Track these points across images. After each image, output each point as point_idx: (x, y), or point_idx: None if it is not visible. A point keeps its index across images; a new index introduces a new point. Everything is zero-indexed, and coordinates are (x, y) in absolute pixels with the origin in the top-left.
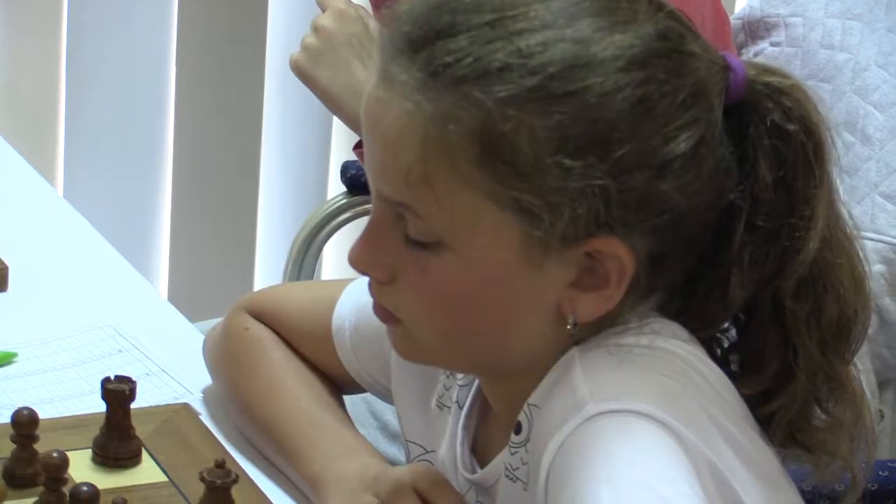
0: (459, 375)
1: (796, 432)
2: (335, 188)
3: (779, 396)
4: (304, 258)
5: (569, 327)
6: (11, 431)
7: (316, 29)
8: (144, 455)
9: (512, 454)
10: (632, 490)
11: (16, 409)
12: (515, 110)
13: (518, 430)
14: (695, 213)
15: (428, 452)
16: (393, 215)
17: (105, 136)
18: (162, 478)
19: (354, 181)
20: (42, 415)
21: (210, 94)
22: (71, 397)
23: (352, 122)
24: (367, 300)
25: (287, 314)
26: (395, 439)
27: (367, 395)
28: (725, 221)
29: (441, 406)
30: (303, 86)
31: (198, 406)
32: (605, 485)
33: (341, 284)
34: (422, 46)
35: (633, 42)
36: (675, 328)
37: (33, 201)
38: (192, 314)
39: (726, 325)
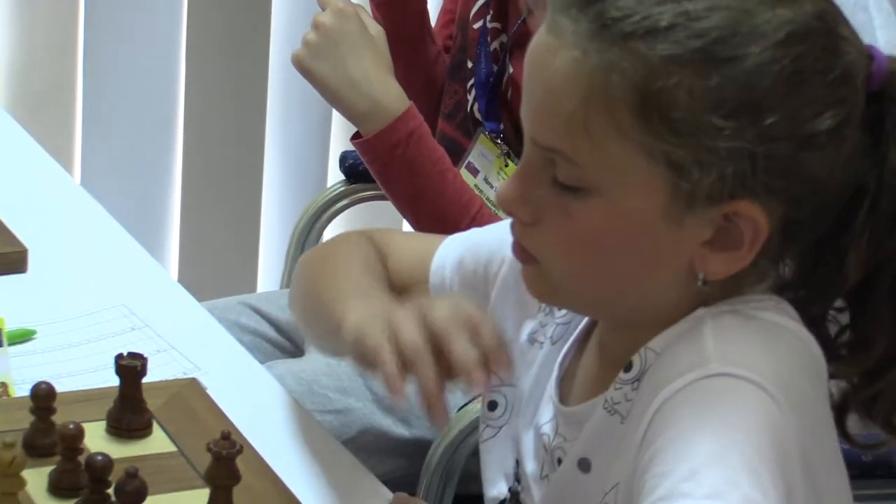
0: (560, 312)
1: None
2: (334, 177)
3: (884, 378)
4: (305, 242)
5: (699, 284)
6: (31, 404)
7: (316, 26)
8: (155, 426)
9: (616, 389)
10: (729, 451)
11: (35, 383)
12: (677, 68)
13: (628, 369)
14: (830, 188)
15: (504, 384)
16: (543, 160)
17: (119, 127)
18: (171, 448)
19: (352, 170)
20: (59, 388)
21: (217, 88)
22: (86, 372)
23: (349, 113)
24: (468, 244)
25: (391, 248)
26: (390, 412)
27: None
28: (851, 202)
29: (532, 341)
30: (303, 79)
31: (205, 381)
32: (708, 437)
33: (440, 237)
34: (593, 0)
35: (793, 17)
36: (790, 309)
37: (51, 188)
38: (200, 294)
39: (839, 305)
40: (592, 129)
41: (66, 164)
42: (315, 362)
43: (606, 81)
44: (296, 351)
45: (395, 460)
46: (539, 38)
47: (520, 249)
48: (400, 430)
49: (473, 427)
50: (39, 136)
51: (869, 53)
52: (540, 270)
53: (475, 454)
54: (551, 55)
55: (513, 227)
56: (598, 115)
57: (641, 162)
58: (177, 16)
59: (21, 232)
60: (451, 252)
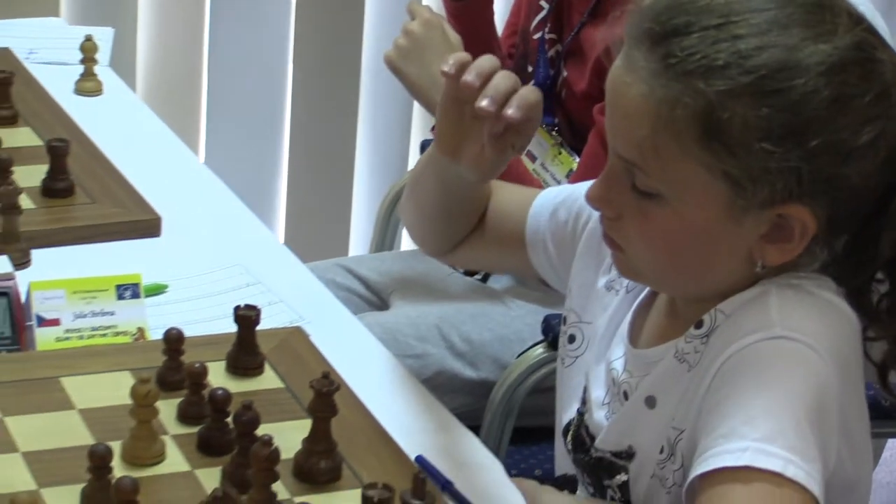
0: None
1: None
2: (415, 159)
3: None
4: (390, 216)
5: (757, 269)
6: (163, 346)
7: (406, 32)
8: (266, 367)
9: (687, 342)
10: (782, 405)
11: (166, 328)
12: (732, 101)
13: (699, 326)
14: (866, 190)
15: (583, 321)
16: (623, 168)
17: (237, 113)
18: (280, 385)
19: None
20: (187, 333)
21: (318, 82)
22: (209, 320)
23: (430, 107)
24: (562, 197)
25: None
26: (461, 357)
27: (439, 321)
28: (884, 194)
29: (609, 288)
30: (391, 77)
31: (308, 329)
32: (766, 391)
33: (536, 190)
34: (660, 41)
35: (832, 51)
36: (836, 287)
37: (180, 166)
38: (303, 256)
39: (880, 277)
40: (661, 151)
41: (193, 146)
42: (398, 315)
43: (672, 113)
44: (382, 305)
45: (464, 398)
46: (616, 71)
47: (607, 238)
48: (468, 372)
49: (531, 371)
50: (170, 122)
51: None
52: (624, 256)
53: (531, 394)
54: (626, 87)
55: (601, 219)
56: (665, 141)
57: (703, 178)
58: (286, 19)
59: (155, 202)
60: (547, 203)
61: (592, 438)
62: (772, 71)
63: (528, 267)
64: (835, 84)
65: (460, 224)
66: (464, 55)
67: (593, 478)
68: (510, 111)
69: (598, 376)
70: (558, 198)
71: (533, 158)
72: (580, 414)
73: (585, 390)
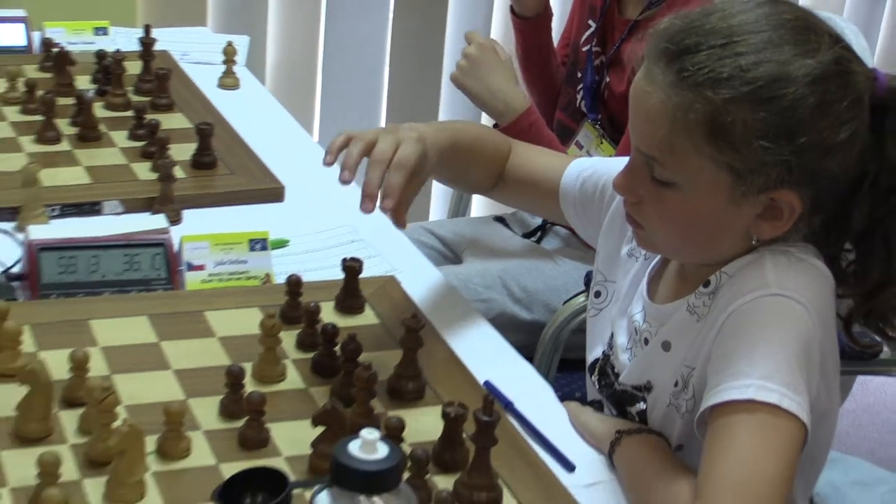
0: None
1: (883, 323)
2: None
3: (876, 298)
4: (461, 199)
5: (753, 242)
6: (286, 288)
7: (465, 55)
8: (367, 307)
9: (696, 298)
10: (777, 350)
11: (288, 274)
12: (734, 107)
13: (706, 285)
14: (844, 177)
15: (607, 281)
16: (644, 161)
17: (344, 101)
18: (377, 322)
19: None
20: (304, 279)
21: (408, 83)
22: (322, 269)
23: (490, 113)
24: (589, 172)
25: (529, 151)
26: (518, 302)
27: (501, 273)
28: (857, 179)
29: (630, 255)
30: (458, 91)
31: (400, 278)
32: (764, 339)
33: (569, 157)
34: (675, 58)
35: (816, 65)
36: (815, 251)
37: (298, 144)
38: None
39: (848, 247)
40: (676, 148)
41: (308, 128)
42: (469, 268)
43: (685, 117)
44: (456, 260)
45: (520, 335)
46: (638, 82)
47: (630, 218)
48: (524, 315)
49: (574, 315)
50: (291, 109)
51: (874, 76)
52: (644, 233)
53: (574, 333)
54: (647, 95)
55: (625, 202)
56: (680, 140)
57: (710, 169)
58: (383, 36)
59: (279, 174)
60: (576, 173)
61: (617, 375)
62: (767, 82)
63: (559, 216)
64: (818, 92)
65: (481, 170)
66: (340, 141)
67: (617, 406)
68: (386, 202)
69: (622, 326)
70: (586, 171)
71: (580, 147)
72: (605, 356)
73: (612, 336)
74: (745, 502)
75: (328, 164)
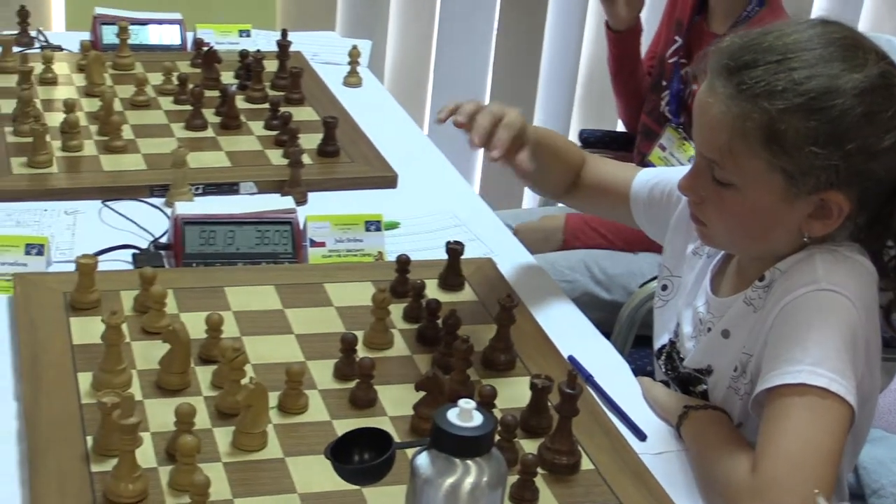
0: None
1: None
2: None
3: None
4: None
5: (804, 239)
6: (396, 266)
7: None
8: (466, 285)
9: (753, 291)
10: (827, 339)
11: (398, 254)
12: (788, 116)
13: (762, 279)
14: (888, 179)
15: (673, 275)
16: (706, 165)
17: (455, 96)
18: (475, 299)
19: (585, 141)
20: (412, 258)
21: (509, 81)
22: (428, 249)
23: None
24: (657, 180)
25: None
26: (599, 284)
27: (585, 257)
28: None
29: (695, 253)
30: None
31: (496, 260)
32: (814, 329)
33: (637, 168)
34: (734, 72)
35: (864, 79)
36: (861, 249)
37: (410, 137)
38: (494, 206)
39: (890, 244)
40: (735, 152)
41: (419, 122)
42: (557, 253)
43: (744, 125)
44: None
45: (600, 313)
46: (701, 94)
47: (694, 217)
48: (604, 295)
49: (648, 298)
50: (405, 105)
51: None
52: (706, 230)
53: (649, 313)
54: (709, 106)
55: (689, 203)
56: (738, 145)
57: (766, 173)
58: (489, 27)
59: (393, 163)
60: (647, 180)
61: (682, 359)
62: (819, 94)
63: (627, 218)
64: (865, 103)
65: (559, 174)
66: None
67: (681, 387)
68: (494, 153)
69: (687, 317)
70: (653, 180)
71: (663, 149)
72: (672, 342)
73: (678, 325)
74: (798, 472)
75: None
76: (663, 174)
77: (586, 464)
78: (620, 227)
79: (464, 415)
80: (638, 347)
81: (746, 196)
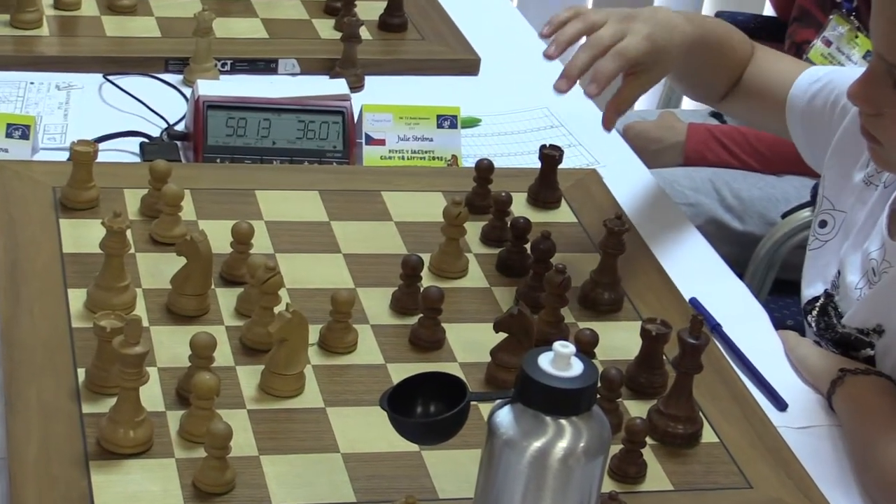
0: None
1: None
2: None
3: None
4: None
5: None
6: (474, 174)
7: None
8: (563, 202)
9: None
10: None
11: (478, 158)
12: None
13: None
14: None
15: (835, 209)
16: (886, 70)
17: None
18: (574, 220)
19: None
20: (496, 164)
21: None
22: (515, 154)
23: None
24: (821, 84)
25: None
26: (730, 210)
27: (713, 175)
28: None
29: (868, 182)
30: None
31: (602, 172)
32: None
33: (803, 65)
34: None
35: None
36: None
37: (498, 11)
38: (600, 102)
39: None
40: None
41: None
42: (677, 170)
43: None
44: None
45: (729, 247)
46: None
47: (865, 132)
48: (735, 224)
49: (795, 232)
50: None
51: None
52: (881, 149)
53: (794, 251)
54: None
55: (860, 114)
56: None
57: None
58: None
59: (475, 44)
60: (809, 83)
61: (840, 316)
62: None
63: (784, 131)
64: None
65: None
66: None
67: (838, 349)
68: (591, 87)
69: (854, 264)
70: (817, 84)
71: (828, 44)
72: (829, 294)
73: (839, 274)
74: None
75: (544, 35)
76: (832, 76)
77: (708, 435)
78: (756, 145)
79: (560, 361)
80: (778, 294)
81: None
